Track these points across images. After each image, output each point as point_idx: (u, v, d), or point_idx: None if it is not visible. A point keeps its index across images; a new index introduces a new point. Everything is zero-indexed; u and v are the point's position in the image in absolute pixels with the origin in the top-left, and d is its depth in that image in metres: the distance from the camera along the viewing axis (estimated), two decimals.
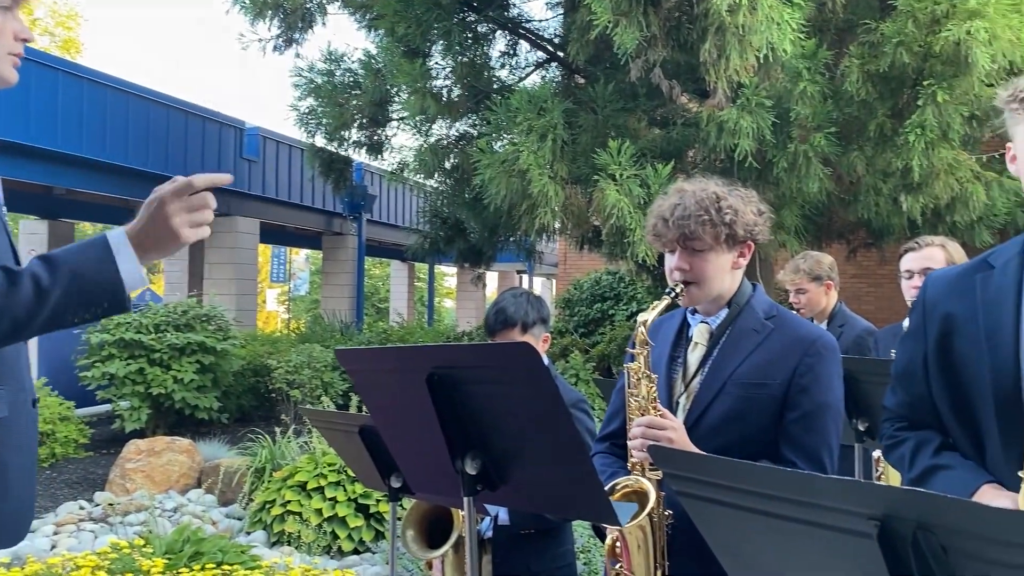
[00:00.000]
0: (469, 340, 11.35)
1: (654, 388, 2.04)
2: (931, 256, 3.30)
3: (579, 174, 7.33)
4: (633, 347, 2.08)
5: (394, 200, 19.72)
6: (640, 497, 2.00)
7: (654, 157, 7.17)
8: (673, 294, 2.07)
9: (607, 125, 7.47)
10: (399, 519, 2.76)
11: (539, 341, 2.81)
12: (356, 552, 5.57)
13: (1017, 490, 1.42)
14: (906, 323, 3.45)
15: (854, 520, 0.92)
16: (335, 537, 5.59)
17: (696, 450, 1.94)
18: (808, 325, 2.19)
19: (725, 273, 2.10)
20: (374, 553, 5.54)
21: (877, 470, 3.32)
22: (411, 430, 1.80)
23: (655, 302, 2.10)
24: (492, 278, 28.00)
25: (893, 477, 3.01)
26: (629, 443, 2.05)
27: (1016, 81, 1.47)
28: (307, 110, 10.20)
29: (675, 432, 1.96)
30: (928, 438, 1.71)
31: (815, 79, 6.56)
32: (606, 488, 2.03)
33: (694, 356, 2.15)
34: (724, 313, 2.14)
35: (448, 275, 34.33)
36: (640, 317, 2.08)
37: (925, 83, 6.38)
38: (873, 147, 6.95)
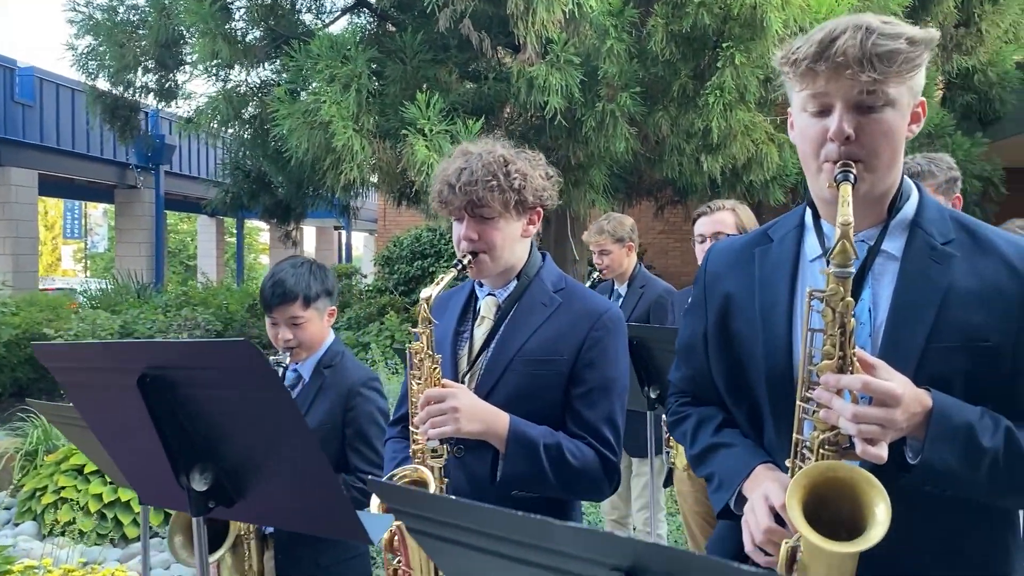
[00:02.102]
0: None
1: (438, 369, 1.92)
2: (722, 220, 3.34)
3: (388, 128, 6.99)
4: (415, 326, 1.92)
5: (198, 151, 18.41)
6: (420, 487, 1.86)
7: (466, 112, 6.96)
8: (460, 266, 1.94)
9: (417, 77, 7.15)
10: (143, 509, 2.47)
11: (324, 315, 2.64)
12: None
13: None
14: None
15: (598, 570, 0.77)
16: (119, 524, 5.11)
17: (489, 409, 1.84)
18: (596, 298, 2.09)
19: (515, 242, 1.99)
20: (163, 539, 5.12)
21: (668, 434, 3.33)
22: (130, 439, 1.51)
23: (440, 275, 1.95)
24: (310, 234, 26.96)
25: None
26: (412, 428, 1.90)
27: (789, 42, 1.38)
28: (87, 50, 9.14)
29: (457, 398, 1.82)
30: (710, 415, 1.69)
31: (622, 37, 6.55)
32: (384, 479, 1.88)
33: (480, 331, 2.05)
34: (513, 285, 2.04)
35: (263, 230, 32.79)
36: (423, 293, 1.95)
37: (724, 45, 6.53)
38: (677, 108, 7.08)
